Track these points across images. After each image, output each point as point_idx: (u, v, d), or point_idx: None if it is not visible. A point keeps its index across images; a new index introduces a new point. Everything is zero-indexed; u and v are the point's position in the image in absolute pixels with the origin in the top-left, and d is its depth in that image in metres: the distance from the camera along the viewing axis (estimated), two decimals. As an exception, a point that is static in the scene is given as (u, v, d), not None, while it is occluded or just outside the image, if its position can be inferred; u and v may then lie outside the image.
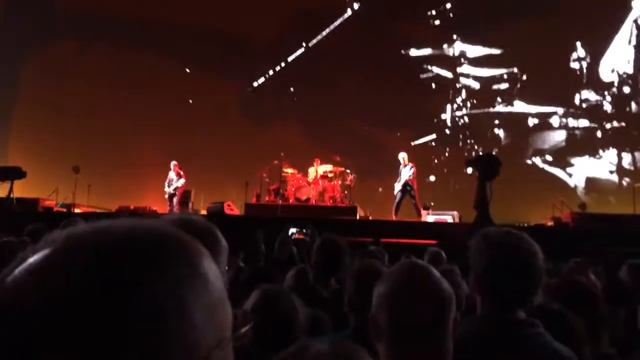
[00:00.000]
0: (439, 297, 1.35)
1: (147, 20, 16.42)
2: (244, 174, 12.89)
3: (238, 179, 12.79)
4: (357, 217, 11.83)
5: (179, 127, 16.21)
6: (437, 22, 17.13)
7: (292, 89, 17.41)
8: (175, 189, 12.41)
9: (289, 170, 12.95)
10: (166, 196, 12.44)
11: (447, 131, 17.07)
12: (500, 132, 16.93)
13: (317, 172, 12.92)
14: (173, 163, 12.60)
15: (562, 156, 16.41)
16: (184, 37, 16.46)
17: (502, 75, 16.80)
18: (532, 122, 16.70)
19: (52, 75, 16.94)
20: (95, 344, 0.45)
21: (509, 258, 1.68)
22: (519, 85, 16.65)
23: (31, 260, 0.50)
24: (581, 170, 16.25)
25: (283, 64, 17.60)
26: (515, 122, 16.72)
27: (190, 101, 17.10)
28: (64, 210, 12.09)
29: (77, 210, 12.16)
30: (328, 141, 15.43)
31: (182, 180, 12.44)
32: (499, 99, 16.85)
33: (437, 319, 1.34)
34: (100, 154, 15.62)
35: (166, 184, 12.50)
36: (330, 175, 12.98)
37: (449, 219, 11.15)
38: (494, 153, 14.11)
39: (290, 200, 12.52)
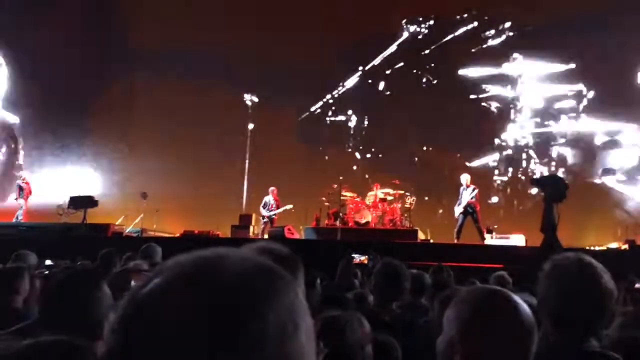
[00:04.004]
0: (525, 325, 1.27)
1: (209, 53, 17.00)
2: (304, 198, 13.00)
3: (297, 203, 12.91)
4: (418, 240, 11.66)
5: (238, 153, 16.60)
6: (496, 41, 16.84)
7: (349, 112, 17.51)
8: (273, 214, 12.74)
9: (348, 194, 12.97)
10: (265, 219, 12.77)
11: (510, 151, 16.63)
12: (566, 151, 16.31)
13: (376, 195, 12.86)
14: (271, 189, 12.95)
15: (634, 175, 15.58)
16: (245, 67, 16.94)
17: (566, 92, 16.24)
18: (600, 140, 16.00)
19: (121, 107, 17.83)
20: (238, 349, 0.52)
21: (580, 286, 1.65)
22: (585, 102, 16.04)
23: (162, 278, 0.56)
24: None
25: (340, 89, 17.75)
26: (582, 140, 16.07)
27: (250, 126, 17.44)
28: (134, 235, 12.58)
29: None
30: (387, 164, 15.35)
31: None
32: (563, 117, 16.29)
33: (523, 347, 1.27)
34: (165, 181, 16.15)
35: (262, 208, 12.85)
36: (389, 198, 12.89)
37: (514, 243, 10.79)
38: (560, 174, 13.64)
39: (350, 224, 12.50)
